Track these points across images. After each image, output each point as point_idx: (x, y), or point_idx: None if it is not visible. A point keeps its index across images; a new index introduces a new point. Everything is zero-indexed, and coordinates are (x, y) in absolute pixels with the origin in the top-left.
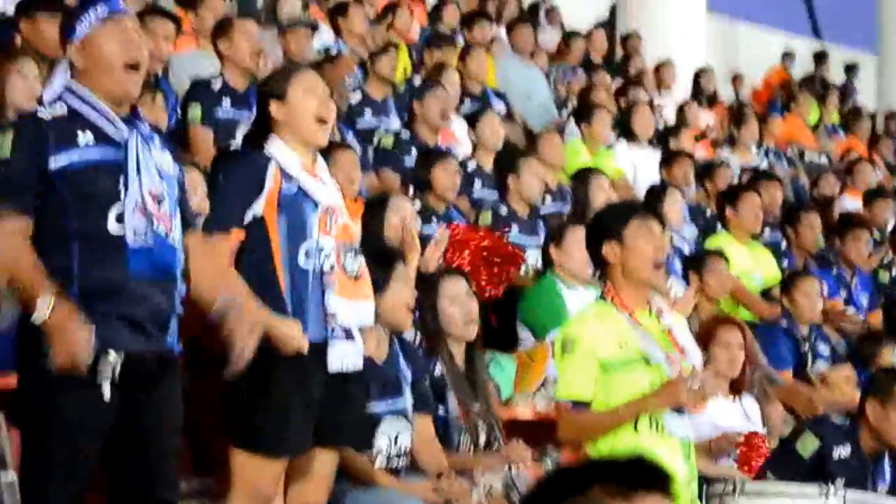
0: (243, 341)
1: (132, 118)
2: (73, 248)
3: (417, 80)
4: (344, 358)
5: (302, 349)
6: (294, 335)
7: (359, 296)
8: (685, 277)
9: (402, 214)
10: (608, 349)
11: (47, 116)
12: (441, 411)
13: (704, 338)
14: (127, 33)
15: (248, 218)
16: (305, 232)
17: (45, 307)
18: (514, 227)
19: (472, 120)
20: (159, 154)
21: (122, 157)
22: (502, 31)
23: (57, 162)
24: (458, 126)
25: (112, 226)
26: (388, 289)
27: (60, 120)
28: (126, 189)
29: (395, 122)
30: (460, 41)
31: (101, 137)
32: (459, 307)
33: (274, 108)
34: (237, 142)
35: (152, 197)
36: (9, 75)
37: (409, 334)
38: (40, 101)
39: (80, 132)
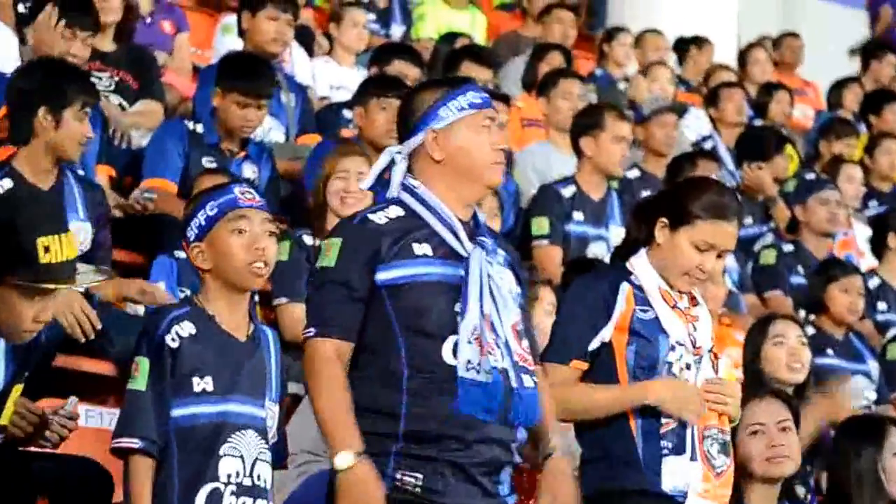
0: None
1: (475, 225)
2: (402, 381)
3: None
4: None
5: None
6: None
7: (717, 497)
8: None
9: (783, 338)
10: None
11: (381, 220)
12: None
13: None
14: (496, 130)
15: (594, 345)
16: (655, 371)
17: (345, 462)
18: None
19: (880, 225)
20: (500, 272)
21: (463, 276)
22: None
23: (386, 275)
24: (862, 233)
25: (447, 356)
26: (737, 436)
27: (394, 225)
28: (463, 314)
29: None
30: (864, 129)
31: (442, 251)
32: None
33: (659, 226)
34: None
35: (514, 331)
36: (329, 177)
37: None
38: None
39: (415, 243)
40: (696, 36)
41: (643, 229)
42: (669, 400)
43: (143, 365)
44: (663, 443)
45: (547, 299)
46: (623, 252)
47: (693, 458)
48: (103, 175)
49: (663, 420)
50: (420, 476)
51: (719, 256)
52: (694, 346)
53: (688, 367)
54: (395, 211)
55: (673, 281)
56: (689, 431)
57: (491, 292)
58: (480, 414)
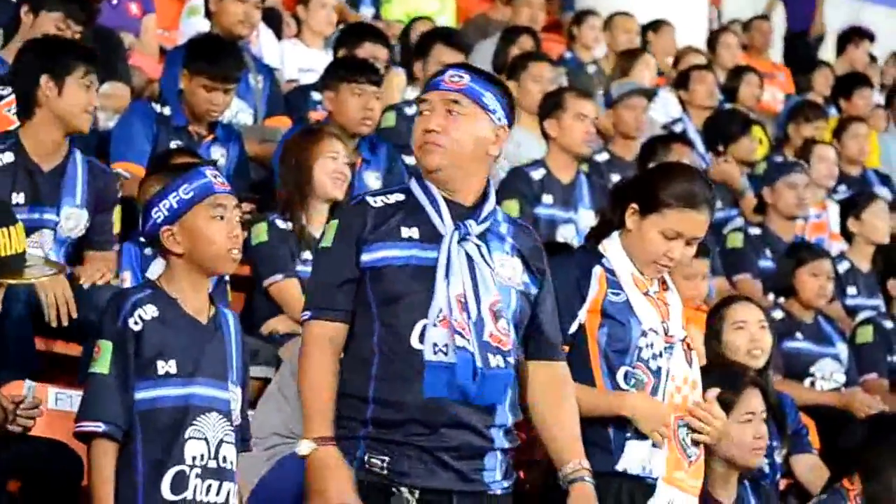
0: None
1: (474, 212)
2: (371, 366)
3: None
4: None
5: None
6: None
7: (687, 488)
8: None
9: (744, 323)
10: None
11: (376, 203)
12: None
13: None
14: (428, 114)
15: (574, 327)
16: (627, 354)
17: (304, 449)
18: None
19: (848, 208)
20: (501, 259)
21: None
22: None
23: (368, 257)
24: (832, 215)
25: (414, 341)
26: (733, 418)
27: (389, 209)
28: (431, 296)
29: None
30: (834, 113)
31: (428, 235)
32: None
33: (630, 212)
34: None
35: (491, 311)
36: (316, 158)
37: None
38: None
39: (404, 226)
40: (656, 20)
41: (617, 213)
42: (642, 418)
43: (105, 348)
44: (629, 427)
45: None
46: (597, 234)
47: (655, 445)
48: None
49: None
50: (386, 459)
51: (688, 244)
52: (666, 334)
53: (659, 354)
54: (396, 196)
55: (641, 267)
56: None
57: (472, 273)
58: (447, 395)
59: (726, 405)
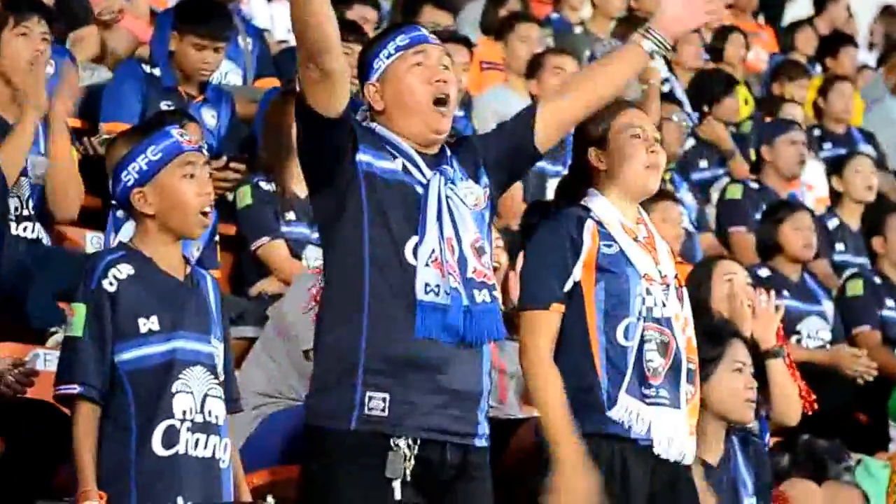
0: None
1: (440, 159)
2: (363, 307)
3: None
4: (666, 436)
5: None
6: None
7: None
8: None
9: (732, 281)
10: None
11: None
12: None
13: None
14: (432, 65)
15: (569, 285)
16: (627, 306)
17: None
18: (890, 302)
19: (834, 166)
20: (468, 186)
21: (423, 197)
22: (871, 58)
23: (365, 156)
24: (815, 173)
25: (409, 255)
26: (717, 373)
27: (367, 131)
28: (421, 238)
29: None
30: (818, 71)
31: (410, 169)
32: None
33: (593, 156)
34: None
35: (473, 248)
36: (290, 116)
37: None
38: None
39: (387, 151)
40: None
41: (583, 169)
42: (562, 483)
43: (79, 311)
44: (659, 392)
45: None
46: (568, 194)
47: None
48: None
49: (653, 367)
50: (387, 396)
51: (654, 151)
52: (661, 276)
53: (662, 304)
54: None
55: (642, 183)
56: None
57: (451, 213)
58: (439, 335)
59: (713, 360)
